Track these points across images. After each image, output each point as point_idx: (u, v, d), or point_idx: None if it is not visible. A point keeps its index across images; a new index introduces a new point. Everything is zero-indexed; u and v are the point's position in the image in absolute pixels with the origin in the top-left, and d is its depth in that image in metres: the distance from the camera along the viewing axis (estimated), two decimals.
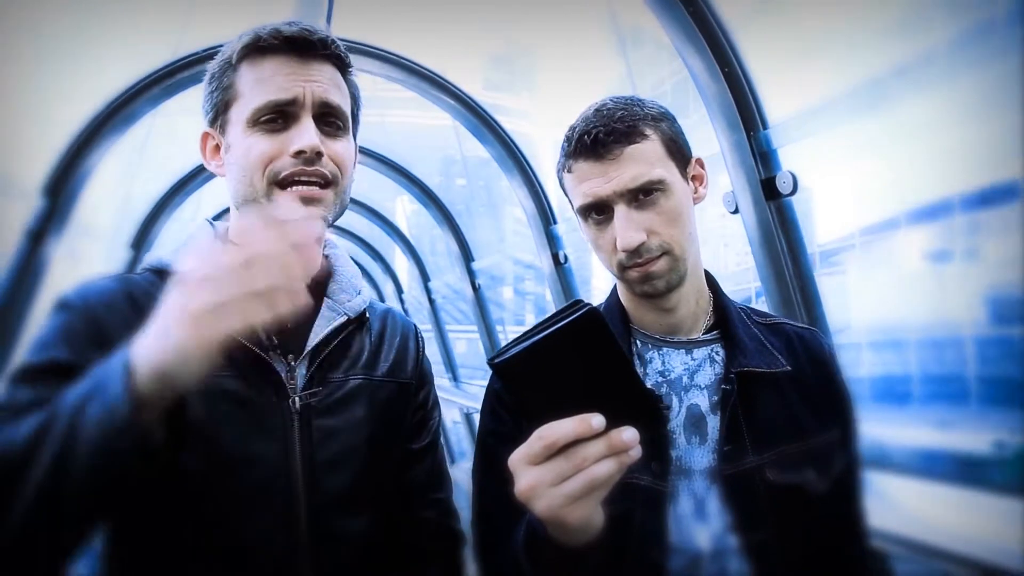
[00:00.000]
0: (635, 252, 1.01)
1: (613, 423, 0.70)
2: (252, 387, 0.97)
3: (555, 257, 3.40)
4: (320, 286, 1.10)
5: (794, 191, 1.96)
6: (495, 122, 3.27)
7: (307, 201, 0.98)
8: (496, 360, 0.70)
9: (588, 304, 0.72)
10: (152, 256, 1.04)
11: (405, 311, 6.21)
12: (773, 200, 2.03)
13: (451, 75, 3.46)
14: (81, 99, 2.38)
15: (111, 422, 0.67)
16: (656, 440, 1.01)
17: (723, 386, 1.04)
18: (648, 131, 1.02)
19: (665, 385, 1.06)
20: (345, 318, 1.07)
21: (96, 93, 2.44)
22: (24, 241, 2.34)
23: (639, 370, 1.07)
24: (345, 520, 1.00)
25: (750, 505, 1.00)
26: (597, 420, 0.69)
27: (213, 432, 0.92)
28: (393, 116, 5.85)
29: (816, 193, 2.28)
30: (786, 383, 1.07)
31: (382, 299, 7.07)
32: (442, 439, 1.25)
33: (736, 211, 2.13)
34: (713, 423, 1.03)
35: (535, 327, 0.71)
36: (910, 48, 1.64)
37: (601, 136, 1.00)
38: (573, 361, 0.70)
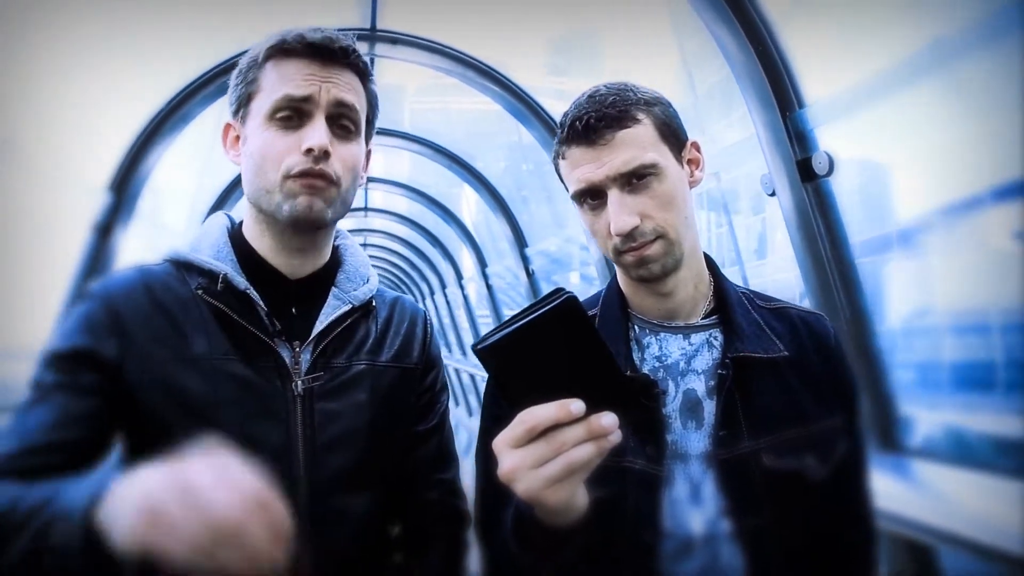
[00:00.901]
0: (629, 236, 1.01)
1: (593, 409, 0.72)
2: (257, 371, 1.02)
3: None
4: (329, 275, 1.14)
5: (830, 172, 1.89)
6: (538, 105, 3.27)
7: (312, 190, 1.03)
8: (478, 346, 0.72)
9: (569, 292, 0.73)
10: (171, 247, 1.11)
11: (490, 289, 6.23)
12: (809, 182, 1.95)
13: (514, 61, 3.47)
14: (142, 99, 2.53)
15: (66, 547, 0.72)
16: (651, 424, 1.01)
17: (719, 371, 1.04)
18: (640, 115, 1.02)
19: (662, 370, 1.06)
20: (350, 306, 1.11)
21: (156, 93, 2.59)
22: (93, 235, 2.53)
23: (636, 355, 1.08)
24: (344, 499, 1.04)
25: (745, 490, 1.00)
26: (576, 405, 0.71)
27: (215, 413, 0.98)
28: (457, 103, 5.90)
29: (893, 171, 2.17)
30: (786, 368, 1.06)
31: (462, 282, 7.08)
32: (450, 421, 1.28)
33: (773, 194, 2.07)
34: (709, 408, 1.03)
35: (518, 314, 0.73)
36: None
37: (592, 122, 1.00)
38: (552, 348, 0.72)
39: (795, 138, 1.96)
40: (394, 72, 4.57)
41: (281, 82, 1.03)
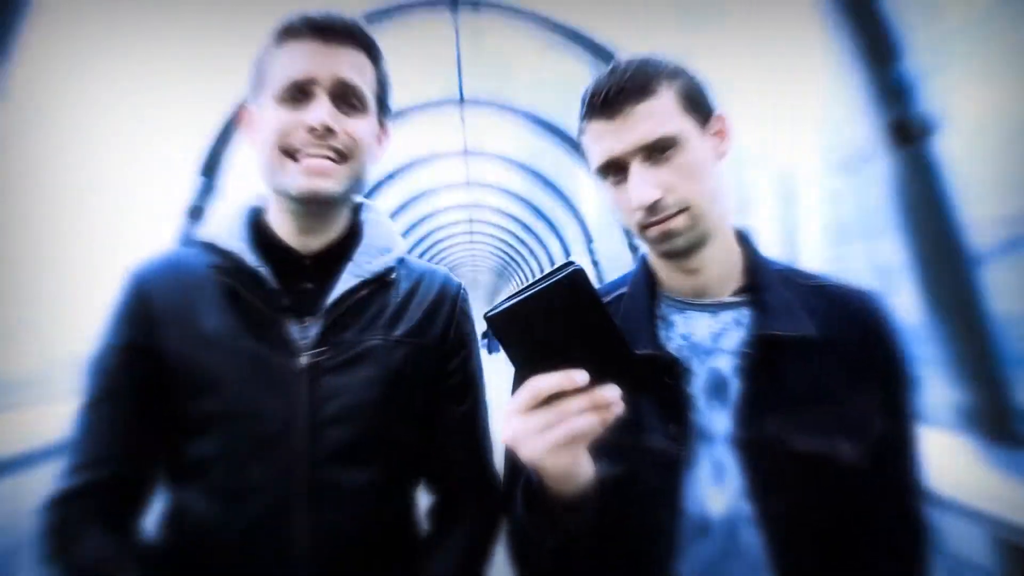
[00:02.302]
0: (652, 210, 0.99)
1: (598, 380, 0.74)
2: (265, 346, 1.04)
3: None
4: (346, 250, 1.14)
5: (929, 133, 1.66)
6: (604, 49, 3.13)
7: (315, 173, 1.03)
8: (488, 313, 0.74)
9: (576, 265, 0.74)
10: (203, 230, 1.15)
11: (595, 265, 6.19)
12: (908, 144, 1.73)
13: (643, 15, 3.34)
14: (226, 86, 2.64)
15: None
16: (675, 403, 1.00)
17: (745, 350, 1.01)
18: (661, 87, 1.00)
19: (687, 348, 1.04)
20: (360, 280, 1.10)
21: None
22: (187, 218, 2.69)
23: (663, 333, 1.05)
24: (346, 473, 1.03)
25: (769, 473, 0.97)
26: (580, 376, 0.74)
27: (224, 385, 1.02)
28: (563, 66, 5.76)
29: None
30: (819, 347, 1.01)
31: (592, 258, 6.97)
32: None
33: (870, 160, 1.85)
34: (735, 387, 1.01)
35: (529, 284, 0.75)
36: None
37: (612, 95, 0.99)
38: (557, 318, 0.74)
39: (893, 95, 1.73)
40: (505, 41, 4.51)
41: (287, 64, 1.05)
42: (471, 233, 11.12)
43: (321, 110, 1.02)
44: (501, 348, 0.78)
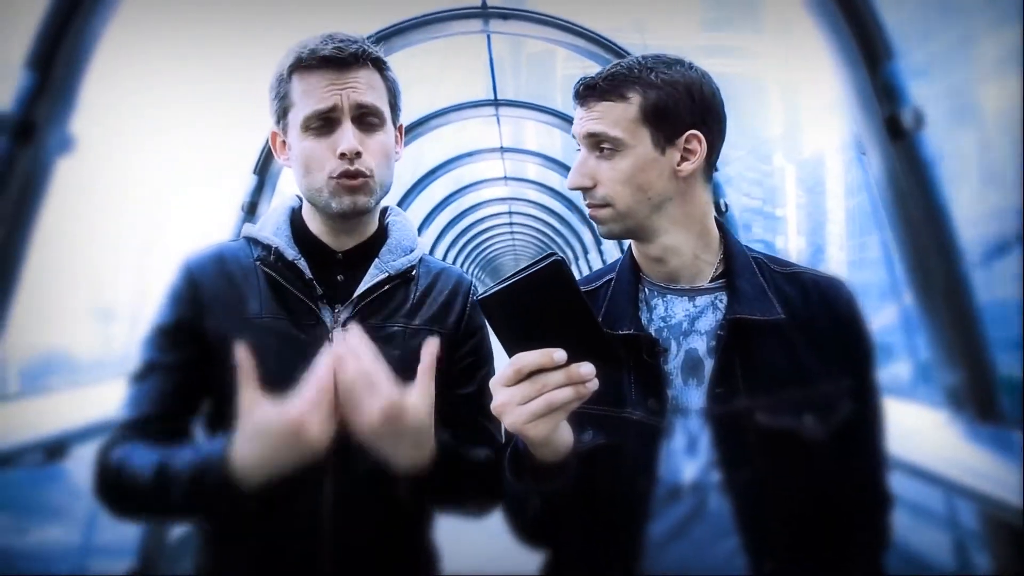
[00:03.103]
0: (587, 194, 1.11)
1: (574, 358, 0.83)
2: (301, 329, 1.19)
3: (716, 206, 3.30)
4: (374, 248, 1.29)
5: (920, 128, 1.76)
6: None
7: (352, 191, 1.19)
8: (478, 296, 0.85)
9: (556, 257, 0.83)
10: (247, 227, 1.31)
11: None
12: (899, 140, 1.83)
13: (662, 17, 3.42)
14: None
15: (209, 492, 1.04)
16: (653, 380, 1.08)
17: (719, 332, 1.08)
18: (629, 94, 1.08)
19: (665, 330, 1.12)
20: (387, 275, 1.25)
21: None
22: (242, 215, 2.93)
23: (644, 315, 1.14)
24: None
25: (736, 445, 1.05)
26: (558, 354, 0.82)
27: (264, 364, 1.12)
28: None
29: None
30: (791, 331, 1.09)
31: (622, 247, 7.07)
32: None
33: (864, 154, 1.96)
34: (709, 366, 1.08)
35: (516, 272, 0.84)
36: None
37: (587, 87, 1.11)
38: (538, 304, 0.83)
39: (884, 93, 1.84)
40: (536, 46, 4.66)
41: (306, 96, 1.18)
42: (511, 224, 11.39)
43: (348, 136, 1.15)
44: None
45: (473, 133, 6.06)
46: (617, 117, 1.08)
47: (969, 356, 1.85)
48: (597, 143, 1.09)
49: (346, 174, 1.17)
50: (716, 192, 3.33)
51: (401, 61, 3.40)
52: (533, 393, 0.83)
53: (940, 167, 1.85)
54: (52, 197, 1.96)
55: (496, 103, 4.79)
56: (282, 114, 1.23)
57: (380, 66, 1.23)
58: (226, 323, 1.19)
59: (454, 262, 11.18)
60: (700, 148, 1.11)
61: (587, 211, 1.14)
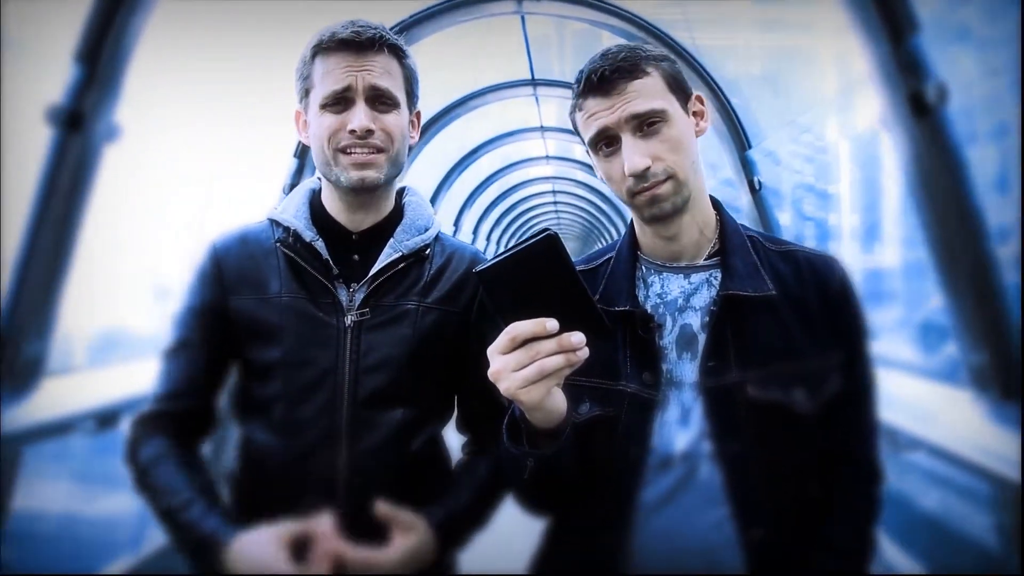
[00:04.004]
0: (642, 177, 1.09)
1: (566, 328, 0.87)
2: (318, 307, 1.25)
3: (750, 183, 3.27)
4: (390, 228, 1.35)
5: (941, 103, 1.73)
6: (668, 37, 3.20)
7: (360, 166, 1.25)
8: (476, 269, 0.88)
9: (551, 232, 0.88)
10: (271, 209, 1.38)
11: None
12: (923, 116, 1.81)
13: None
14: None
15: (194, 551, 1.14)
16: (649, 354, 1.12)
17: (712, 308, 1.12)
18: (650, 69, 1.12)
19: (661, 306, 1.16)
20: (400, 254, 1.30)
21: None
22: (283, 196, 3.04)
23: (641, 292, 1.18)
24: (380, 413, 1.24)
25: (727, 417, 1.08)
26: (551, 323, 0.86)
27: (282, 340, 1.25)
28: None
29: None
30: (783, 307, 1.12)
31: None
32: None
33: (887, 131, 1.94)
34: (703, 341, 1.12)
35: (512, 246, 0.88)
36: None
37: (607, 74, 1.10)
38: (533, 277, 0.87)
39: (908, 68, 1.81)
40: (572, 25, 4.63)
41: (325, 77, 1.25)
42: (555, 203, 11.41)
43: (360, 115, 1.22)
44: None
45: (517, 112, 6.09)
46: (652, 91, 1.11)
47: (994, 336, 1.83)
48: (641, 123, 1.10)
49: (356, 145, 1.23)
50: (750, 170, 3.30)
51: (439, 41, 3.45)
52: (526, 360, 0.86)
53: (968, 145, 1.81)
54: (105, 182, 2.09)
55: (534, 83, 4.80)
56: (304, 94, 1.30)
57: (398, 53, 1.29)
58: (248, 301, 1.27)
59: (499, 239, 11.28)
60: (705, 108, 1.18)
61: (640, 198, 1.13)
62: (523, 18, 3.76)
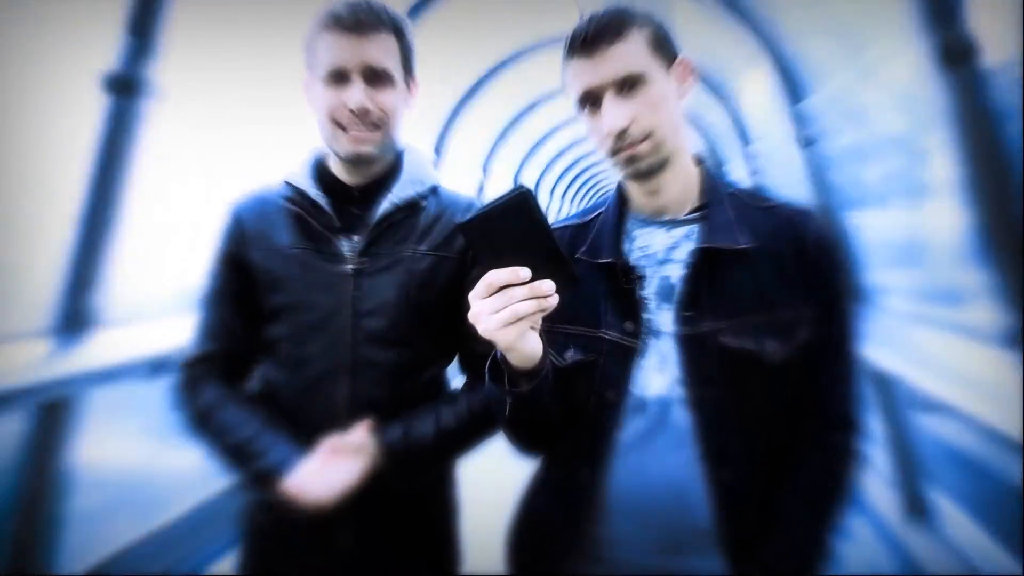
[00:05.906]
0: (621, 136, 1.13)
1: (538, 276, 0.95)
2: (321, 257, 1.36)
3: (803, 139, 3.14)
4: (386, 182, 1.44)
5: (971, 55, 1.65)
6: None
7: (357, 142, 1.34)
8: (459, 223, 0.96)
9: (524, 188, 0.95)
10: (289, 171, 1.47)
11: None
12: (959, 65, 1.72)
13: None
14: None
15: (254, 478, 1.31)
16: (630, 304, 1.18)
17: (688, 260, 1.17)
18: (632, 32, 1.14)
19: (644, 259, 1.21)
20: (395, 206, 1.40)
21: None
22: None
23: (626, 246, 1.23)
24: (378, 352, 1.35)
25: (699, 364, 1.14)
26: (524, 272, 0.94)
27: (290, 285, 1.35)
28: None
29: None
30: (759, 260, 1.15)
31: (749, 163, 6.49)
32: None
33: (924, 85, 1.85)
34: (681, 292, 1.17)
35: (491, 201, 0.95)
36: None
37: (591, 36, 1.14)
38: (508, 229, 0.95)
39: (941, 16, 1.72)
40: None
41: (327, 52, 1.32)
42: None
43: (357, 93, 1.29)
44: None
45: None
46: (634, 53, 1.13)
47: None
48: (622, 84, 1.13)
49: (353, 122, 1.32)
50: (802, 125, 3.18)
51: None
52: (501, 304, 0.94)
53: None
54: (152, 142, 2.22)
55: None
56: (311, 67, 1.38)
57: (397, 30, 1.35)
58: (262, 253, 1.39)
59: (564, 193, 11.20)
60: (690, 71, 1.20)
61: (620, 156, 1.17)
62: None
